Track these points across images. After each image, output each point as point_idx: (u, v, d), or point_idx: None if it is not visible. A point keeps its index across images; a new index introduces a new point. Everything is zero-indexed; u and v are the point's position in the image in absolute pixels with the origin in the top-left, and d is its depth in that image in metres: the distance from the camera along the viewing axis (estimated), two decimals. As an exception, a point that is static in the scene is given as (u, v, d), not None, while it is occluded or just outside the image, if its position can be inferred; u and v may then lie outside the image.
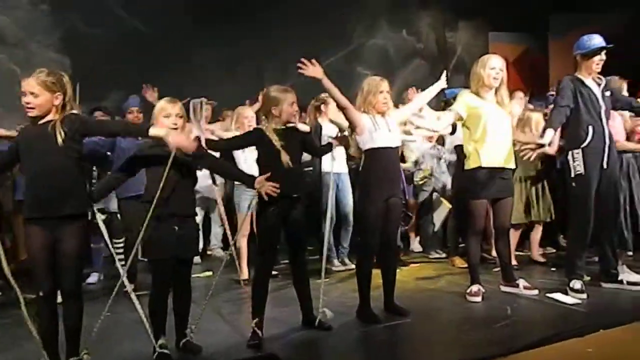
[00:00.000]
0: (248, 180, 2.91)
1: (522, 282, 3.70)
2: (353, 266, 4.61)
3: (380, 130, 3.19)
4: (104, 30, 6.32)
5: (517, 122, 4.65)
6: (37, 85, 2.43)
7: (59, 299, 2.53)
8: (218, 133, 4.40)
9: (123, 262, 4.42)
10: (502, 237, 3.76)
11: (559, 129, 3.59)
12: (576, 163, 3.54)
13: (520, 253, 4.93)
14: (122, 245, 4.46)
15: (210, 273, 4.71)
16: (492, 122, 3.55)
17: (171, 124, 2.73)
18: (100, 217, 2.68)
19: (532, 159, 3.52)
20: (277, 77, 6.57)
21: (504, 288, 3.75)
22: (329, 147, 3.37)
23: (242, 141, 3.23)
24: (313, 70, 3.03)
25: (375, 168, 3.20)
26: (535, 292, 3.62)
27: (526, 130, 4.52)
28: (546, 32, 8.26)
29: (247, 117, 4.38)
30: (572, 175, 3.56)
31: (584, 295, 3.47)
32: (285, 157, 2.89)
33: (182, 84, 5.96)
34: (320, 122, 4.72)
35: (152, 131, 2.51)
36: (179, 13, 6.48)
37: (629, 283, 3.62)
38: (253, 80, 6.56)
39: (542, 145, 3.43)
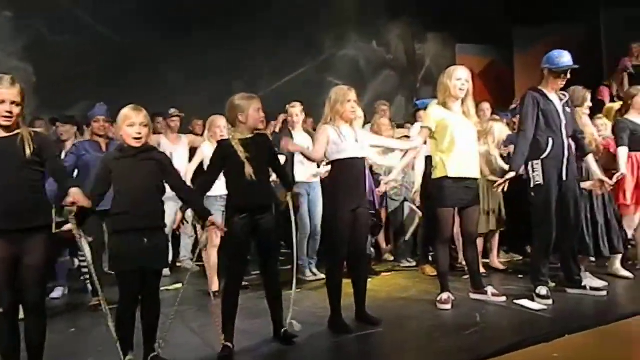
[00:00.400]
0: (202, 215, 2.84)
1: (490, 290, 3.77)
2: (323, 276, 4.62)
3: (347, 141, 3.23)
4: (70, 38, 6.19)
5: (480, 132, 4.78)
6: (19, 94, 2.38)
7: (21, 315, 2.45)
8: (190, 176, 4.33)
9: (88, 276, 4.34)
10: (470, 245, 3.83)
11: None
12: (535, 174, 3.64)
13: (487, 260, 5.02)
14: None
15: (179, 285, 4.61)
16: (459, 134, 3.62)
17: (135, 133, 2.66)
18: (85, 241, 2.59)
19: (506, 189, 3.74)
20: (248, 86, 6.55)
21: (473, 295, 3.81)
22: (295, 198, 3.25)
23: (215, 165, 3.03)
24: (287, 146, 3.42)
25: (343, 178, 3.23)
26: (503, 299, 3.69)
27: (489, 140, 4.66)
28: (511, 45, 8.51)
29: (219, 126, 4.34)
30: (532, 185, 3.67)
31: (550, 301, 3.55)
32: (248, 170, 2.84)
33: (151, 93, 5.89)
34: (293, 132, 4.72)
35: (71, 191, 2.44)
36: (148, 21, 6.39)
37: (592, 289, 3.73)
38: (223, 89, 6.51)
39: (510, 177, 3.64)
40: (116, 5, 6.31)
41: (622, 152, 4.24)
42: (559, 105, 3.68)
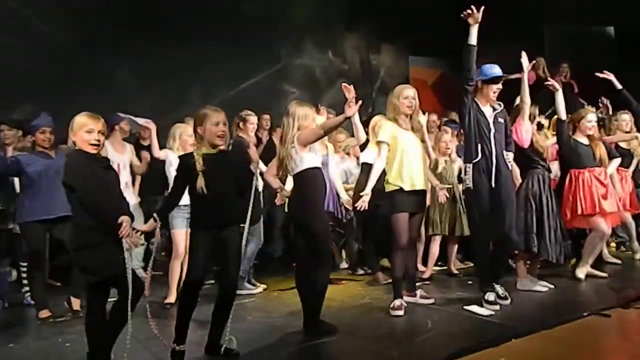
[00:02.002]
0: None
1: (419, 292, 3.96)
2: (264, 286, 4.57)
3: (317, 152, 3.39)
4: (16, 39, 5.89)
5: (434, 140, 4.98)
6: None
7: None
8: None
9: (28, 288, 4.14)
10: (411, 249, 3.94)
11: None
12: (467, 176, 3.84)
13: (438, 268, 5.13)
14: (26, 269, 4.16)
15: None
16: (408, 150, 3.80)
17: (93, 139, 2.67)
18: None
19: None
20: (203, 93, 6.45)
21: (405, 297, 3.91)
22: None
23: (180, 180, 2.93)
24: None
25: (317, 185, 3.33)
26: (432, 300, 3.90)
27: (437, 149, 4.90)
28: (461, 57, 8.76)
29: (191, 135, 4.24)
30: (464, 187, 3.87)
31: (497, 307, 3.68)
32: (200, 182, 2.79)
33: (101, 97, 5.69)
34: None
35: None
36: (98, 23, 6.17)
37: (499, 297, 3.75)
38: (178, 95, 6.39)
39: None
40: (65, 6, 6.07)
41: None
42: (489, 116, 3.86)
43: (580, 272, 4.49)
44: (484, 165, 3.78)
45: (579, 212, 4.38)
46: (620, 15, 7.53)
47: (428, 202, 4.79)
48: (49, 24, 6.02)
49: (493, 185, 3.78)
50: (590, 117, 4.58)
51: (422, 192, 3.88)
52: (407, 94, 3.83)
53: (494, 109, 3.89)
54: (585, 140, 4.57)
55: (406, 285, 3.94)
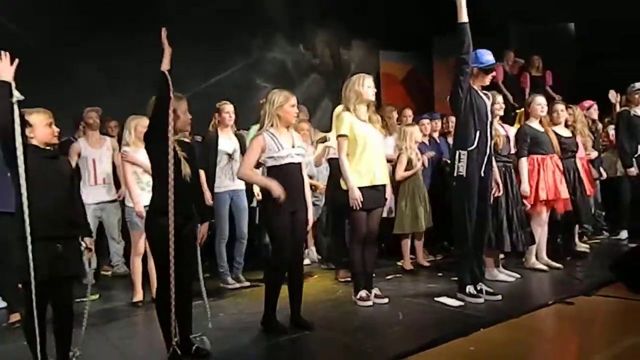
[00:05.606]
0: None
1: (374, 291, 3.83)
2: (248, 283, 4.56)
3: (283, 148, 3.23)
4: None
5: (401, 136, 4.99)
6: None
7: None
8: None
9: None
10: (370, 245, 3.85)
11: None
12: (460, 163, 3.67)
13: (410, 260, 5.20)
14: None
15: (97, 296, 4.38)
16: (369, 143, 3.69)
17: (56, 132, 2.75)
18: None
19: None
20: (174, 86, 6.28)
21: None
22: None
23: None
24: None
25: (280, 183, 3.18)
26: (386, 300, 3.77)
27: (407, 144, 4.86)
28: (430, 53, 8.89)
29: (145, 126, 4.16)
30: (455, 174, 3.71)
31: (481, 300, 3.66)
32: (186, 169, 2.78)
33: (68, 96, 5.52)
34: (219, 134, 4.57)
35: None
36: (61, 19, 5.96)
37: (487, 293, 3.75)
38: (147, 90, 6.22)
39: None
40: (33, 5, 5.85)
41: (522, 163, 4.52)
42: (488, 103, 3.79)
43: (537, 263, 4.60)
44: (478, 154, 3.67)
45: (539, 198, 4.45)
46: (580, 12, 7.73)
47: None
48: (13, 22, 5.77)
49: (482, 174, 3.70)
50: (539, 100, 4.58)
51: (382, 186, 3.78)
52: (369, 83, 3.73)
53: (488, 97, 3.82)
54: (540, 127, 4.59)
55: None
